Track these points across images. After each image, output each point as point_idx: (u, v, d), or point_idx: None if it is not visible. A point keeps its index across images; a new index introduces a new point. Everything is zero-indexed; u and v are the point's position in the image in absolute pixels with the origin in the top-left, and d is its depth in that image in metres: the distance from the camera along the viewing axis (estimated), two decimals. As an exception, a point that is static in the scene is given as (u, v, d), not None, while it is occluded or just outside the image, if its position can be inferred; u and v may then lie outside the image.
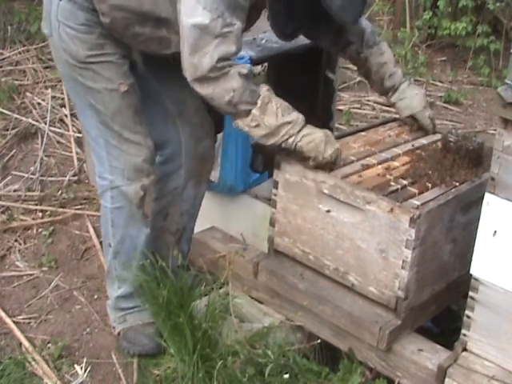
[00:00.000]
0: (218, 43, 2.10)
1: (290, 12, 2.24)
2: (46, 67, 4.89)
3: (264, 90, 2.21)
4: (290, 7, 2.23)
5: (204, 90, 2.16)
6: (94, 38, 2.29)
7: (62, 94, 4.43)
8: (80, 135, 3.97)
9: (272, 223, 2.43)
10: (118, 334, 2.61)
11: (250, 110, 2.18)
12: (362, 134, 2.62)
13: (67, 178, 3.73)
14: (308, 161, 2.26)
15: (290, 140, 2.22)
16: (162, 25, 2.23)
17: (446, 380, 2.10)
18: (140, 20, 2.25)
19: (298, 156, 2.27)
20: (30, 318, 2.79)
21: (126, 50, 2.35)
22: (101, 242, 3.05)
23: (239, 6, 2.13)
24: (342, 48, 2.61)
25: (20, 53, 5.10)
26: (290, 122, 2.20)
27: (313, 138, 2.23)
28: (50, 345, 2.64)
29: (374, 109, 4.87)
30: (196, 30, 2.09)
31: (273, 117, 2.19)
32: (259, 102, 2.18)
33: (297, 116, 2.22)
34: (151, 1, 2.21)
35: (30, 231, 3.35)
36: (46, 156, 3.95)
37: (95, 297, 2.91)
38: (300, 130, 2.22)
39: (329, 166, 2.28)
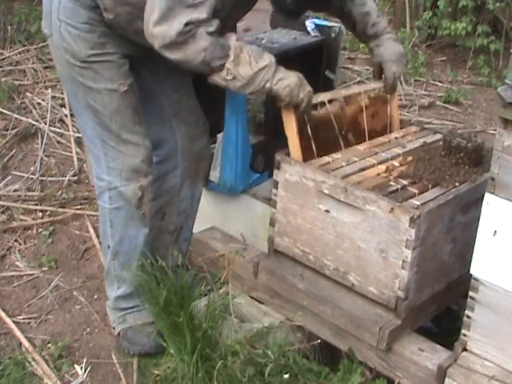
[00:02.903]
0: (188, 11, 2.10)
1: None
2: (46, 67, 4.89)
3: (233, 40, 2.20)
4: None
5: (175, 55, 2.15)
6: (95, 37, 2.29)
7: (62, 94, 4.43)
8: (80, 135, 3.97)
9: (272, 223, 2.43)
10: (118, 334, 2.61)
11: (224, 64, 2.18)
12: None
13: (67, 178, 3.73)
14: (280, 102, 2.28)
15: (268, 85, 2.22)
16: None
17: (446, 380, 2.10)
18: (143, 14, 2.24)
19: (271, 99, 2.30)
20: (29, 318, 2.79)
21: (126, 48, 2.35)
22: (101, 242, 3.04)
23: None
24: (325, 6, 2.60)
25: (20, 53, 5.10)
26: (264, 67, 2.21)
27: (289, 83, 2.23)
28: (49, 345, 2.64)
29: (373, 109, 4.86)
30: (169, 1, 2.09)
31: (247, 66, 2.19)
32: (231, 54, 2.17)
33: (269, 58, 2.23)
34: None
35: (30, 231, 3.35)
36: (46, 156, 3.95)
37: (95, 297, 2.91)
38: (274, 73, 2.22)
39: (299, 108, 2.30)
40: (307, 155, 2.36)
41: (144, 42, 2.29)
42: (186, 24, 2.10)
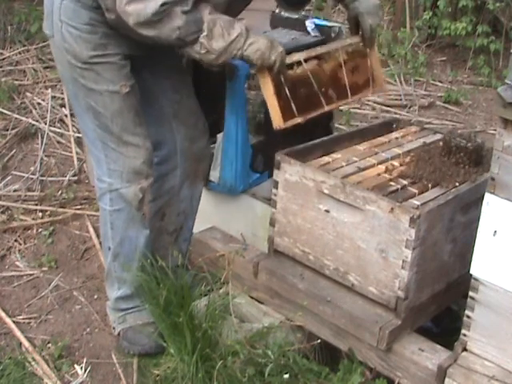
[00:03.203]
0: None
1: None
2: (46, 67, 4.90)
3: (206, 13, 2.20)
4: None
5: (149, 32, 2.16)
6: (97, 38, 2.29)
7: (62, 94, 4.43)
8: (80, 135, 3.97)
9: (272, 223, 2.43)
10: (118, 334, 2.61)
11: (198, 38, 2.19)
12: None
13: (67, 178, 3.73)
14: (253, 66, 2.30)
15: (239, 52, 2.24)
16: None
17: (446, 380, 2.10)
18: None
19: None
20: (29, 318, 2.79)
21: (127, 49, 2.34)
22: (101, 242, 3.05)
23: None
24: None
25: (20, 53, 5.10)
26: (236, 37, 2.22)
27: (259, 46, 2.25)
28: (50, 345, 2.64)
29: (373, 109, 4.87)
30: None
31: (220, 39, 2.20)
32: (205, 28, 2.18)
33: (240, 28, 2.24)
34: None
35: (30, 231, 3.35)
36: (46, 156, 3.95)
37: (95, 297, 2.91)
38: (246, 40, 2.24)
39: (272, 70, 2.30)
40: (287, 115, 2.35)
41: (146, 41, 2.29)
42: (162, 4, 2.10)
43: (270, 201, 2.48)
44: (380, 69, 2.71)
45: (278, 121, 2.34)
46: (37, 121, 4.22)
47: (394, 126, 2.78)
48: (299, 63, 2.41)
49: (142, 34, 2.17)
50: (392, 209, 2.10)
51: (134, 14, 2.12)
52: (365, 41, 2.62)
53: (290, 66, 2.38)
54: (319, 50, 2.51)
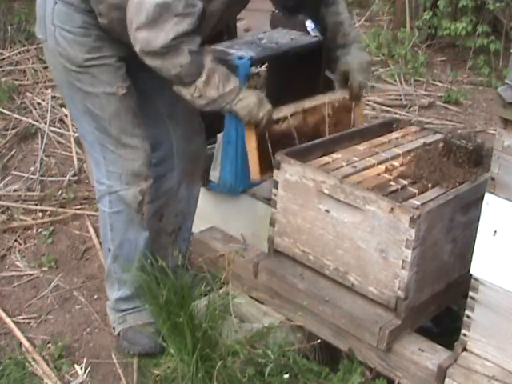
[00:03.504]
0: (176, 22, 2.12)
1: None
2: (46, 67, 4.89)
3: (208, 60, 2.24)
4: None
5: (152, 61, 2.19)
6: (91, 41, 2.29)
7: (62, 94, 4.43)
8: (80, 135, 3.98)
9: (272, 223, 2.43)
10: (118, 334, 2.61)
11: (195, 81, 2.22)
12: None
13: (67, 178, 3.73)
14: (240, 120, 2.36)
15: (228, 106, 2.30)
16: None
17: (446, 380, 2.10)
18: None
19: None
20: (29, 318, 2.79)
21: (122, 50, 2.34)
22: (101, 243, 3.05)
23: None
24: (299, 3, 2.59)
25: (20, 53, 5.11)
26: (229, 92, 2.27)
27: (247, 102, 2.30)
28: (50, 345, 2.64)
29: (374, 109, 4.87)
30: (157, 8, 2.10)
31: (215, 89, 2.25)
32: (204, 74, 2.22)
33: (235, 83, 2.29)
34: None
35: (30, 231, 3.35)
36: (46, 156, 3.96)
37: (95, 297, 2.91)
38: (236, 95, 2.29)
39: (259, 126, 2.36)
40: (264, 169, 2.44)
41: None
42: (173, 39, 2.13)
43: (269, 201, 2.48)
44: (362, 121, 2.77)
45: (254, 174, 2.45)
46: (37, 121, 4.23)
47: (394, 126, 2.77)
48: (285, 118, 2.48)
49: (144, 61, 2.19)
50: (392, 209, 2.10)
51: (143, 42, 2.14)
52: (352, 96, 2.66)
53: (277, 121, 2.45)
54: (307, 104, 2.57)
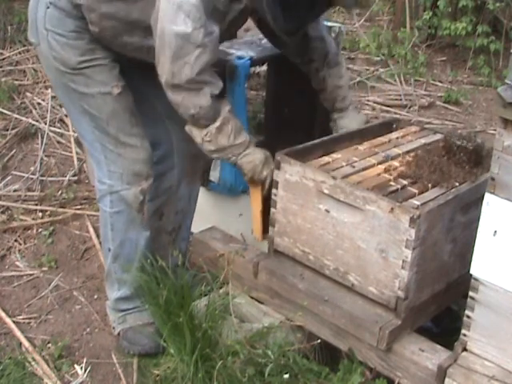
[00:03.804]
0: (199, 54, 2.12)
1: (290, 8, 2.26)
2: (46, 67, 4.89)
3: (226, 110, 2.27)
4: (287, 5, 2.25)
5: (174, 96, 2.20)
6: (84, 44, 2.29)
7: (62, 94, 4.43)
8: (80, 135, 3.98)
9: (272, 223, 2.43)
10: (118, 334, 2.61)
11: (209, 126, 2.24)
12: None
13: (67, 178, 3.74)
14: (244, 176, 2.39)
15: (233, 158, 2.32)
16: (150, 34, 2.21)
17: (446, 380, 2.10)
18: (128, 29, 2.25)
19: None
20: (30, 318, 2.79)
21: (115, 52, 2.34)
22: (101, 243, 3.05)
23: (216, 10, 2.16)
24: (304, 63, 2.68)
25: (20, 53, 5.11)
26: (238, 144, 2.30)
27: (253, 159, 2.33)
28: (50, 345, 2.64)
29: (373, 109, 4.87)
30: (178, 39, 2.10)
31: (225, 138, 2.27)
32: (218, 121, 2.24)
33: (245, 138, 2.32)
34: (139, 9, 2.21)
35: (30, 231, 3.35)
36: (46, 156, 3.96)
37: (95, 297, 2.91)
38: (244, 150, 2.32)
39: (263, 185, 2.40)
40: (267, 230, 2.45)
41: (128, 54, 2.30)
42: (199, 73, 2.14)
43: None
44: None
45: (257, 235, 2.49)
46: (37, 121, 4.23)
47: (394, 126, 2.77)
48: None
49: (167, 94, 2.21)
50: (392, 209, 2.10)
51: (170, 75, 2.15)
52: None
53: None
54: None
